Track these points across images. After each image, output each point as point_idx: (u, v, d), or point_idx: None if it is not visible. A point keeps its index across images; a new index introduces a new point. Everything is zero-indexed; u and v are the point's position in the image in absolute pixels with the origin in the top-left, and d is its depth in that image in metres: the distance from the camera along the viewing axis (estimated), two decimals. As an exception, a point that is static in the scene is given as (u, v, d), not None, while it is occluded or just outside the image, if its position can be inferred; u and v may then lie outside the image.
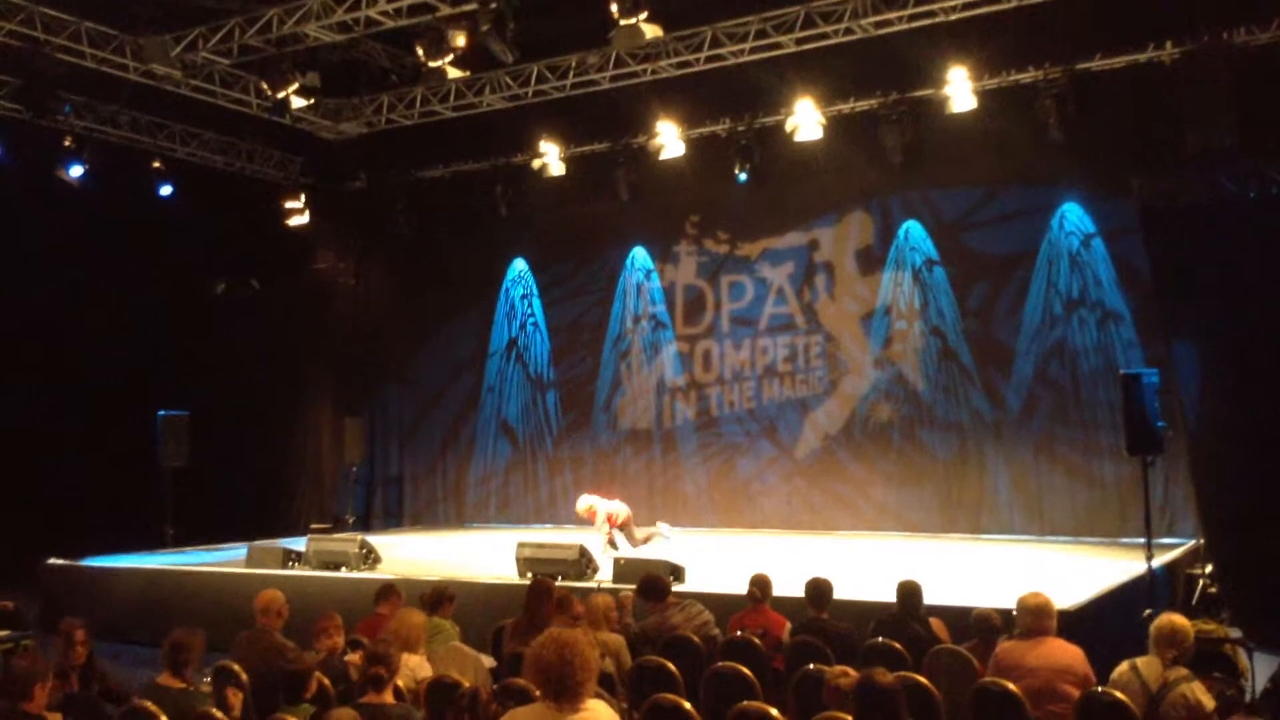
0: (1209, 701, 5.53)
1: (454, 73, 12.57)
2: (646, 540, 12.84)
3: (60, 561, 13.27)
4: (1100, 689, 5.70)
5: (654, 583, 8.07)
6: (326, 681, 5.98)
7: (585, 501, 12.87)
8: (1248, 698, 6.66)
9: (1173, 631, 5.70)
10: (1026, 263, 14.30)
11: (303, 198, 16.61)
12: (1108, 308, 13.85)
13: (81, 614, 7.38)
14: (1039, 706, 5.81)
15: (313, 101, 13.77)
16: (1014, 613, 6.39)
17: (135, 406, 15.32)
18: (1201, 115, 11.40)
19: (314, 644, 6.87)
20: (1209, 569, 11.18)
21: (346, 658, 6.65)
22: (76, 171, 14.49)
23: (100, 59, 13.15)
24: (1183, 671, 5.60)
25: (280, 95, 13.06)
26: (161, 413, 15.37)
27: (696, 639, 7.32)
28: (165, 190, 15.69)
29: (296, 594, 7.69)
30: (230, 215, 16.62)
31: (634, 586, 8.33)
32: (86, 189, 14.60)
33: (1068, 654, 6.10)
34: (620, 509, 12.75)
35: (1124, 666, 5.80)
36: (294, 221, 16.63)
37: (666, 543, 12.95)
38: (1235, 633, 8.48)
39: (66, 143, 14.37)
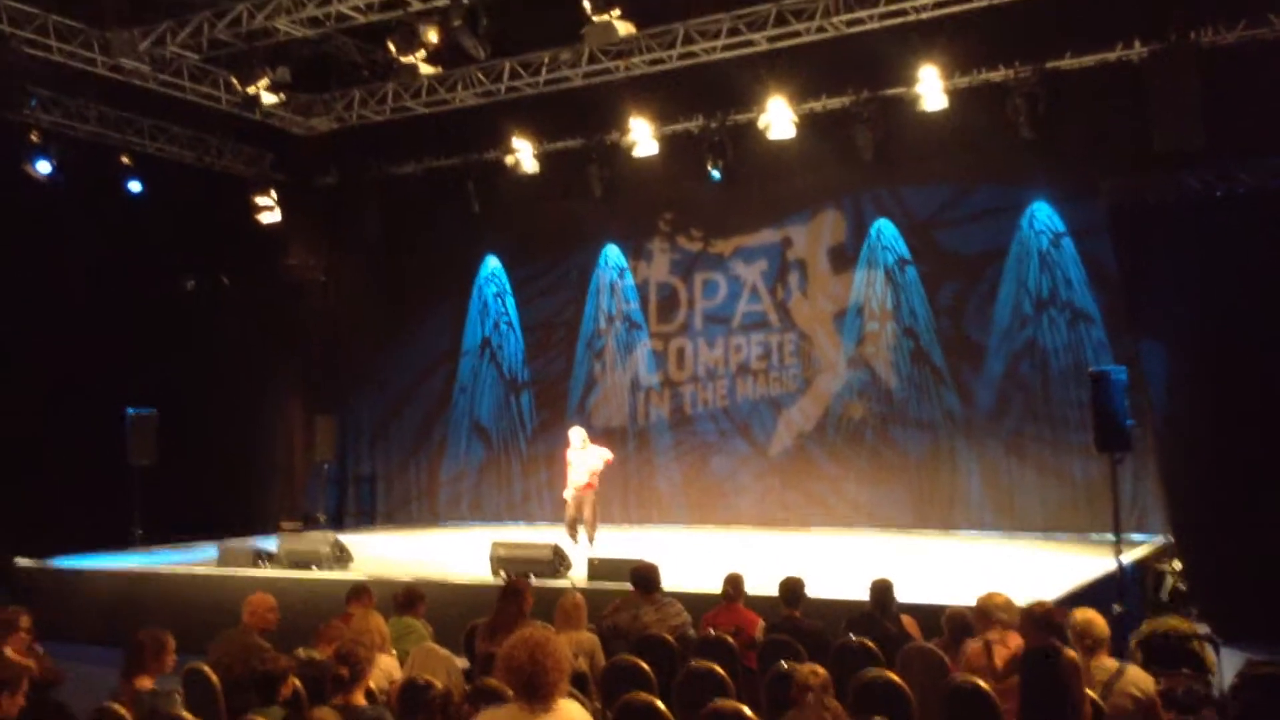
0: (1149, 681, 5.83)
1: (426, 69, 12.52)
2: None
3: (29, 561, 13.13)
4: (959, 676, 5.84)
5: (645, 574, 8.02)
6: (299, 684, 5.93)
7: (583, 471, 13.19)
8: (1215, 693, 6.74)
9: (1087, 624, 5.96)
10: (997, 262, 14.39)
11: (273, 194, 16.43)
12: (1077, 307, 13.94)
13: (51, 615, 7.26)
14: (1010, 701, 5.86)
15: (283, 97, 13.65)
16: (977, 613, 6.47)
17: (104, 404, 15.15)
18: (1170, 115, 11.50)
19: (317, 645, 6.80)
20: (1177, 565, 11.28)
21: None
22: (45, 167, 14.32)
23: (68, 53, 12.99)
24: (1114, 663, 5.87)
25: (250, 90, 12.96)
26: (130, 410, 15.23)
27: (670, 638, 7.31)
28: (134, 186, 15.54)
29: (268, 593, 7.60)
30: (200, 212, 16.45)
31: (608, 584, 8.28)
32: (55, 185, 14.43)
33: None
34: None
35: None
36: (264, 218, 16.46)
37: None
38: (1203, 629, 8.56)
39: (34, 138, 14.20)
